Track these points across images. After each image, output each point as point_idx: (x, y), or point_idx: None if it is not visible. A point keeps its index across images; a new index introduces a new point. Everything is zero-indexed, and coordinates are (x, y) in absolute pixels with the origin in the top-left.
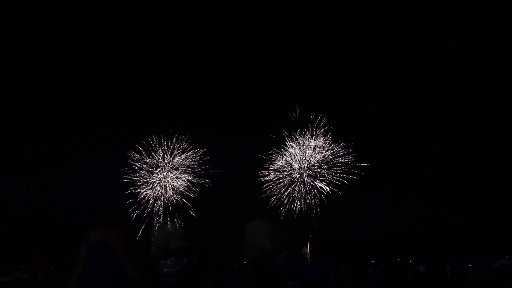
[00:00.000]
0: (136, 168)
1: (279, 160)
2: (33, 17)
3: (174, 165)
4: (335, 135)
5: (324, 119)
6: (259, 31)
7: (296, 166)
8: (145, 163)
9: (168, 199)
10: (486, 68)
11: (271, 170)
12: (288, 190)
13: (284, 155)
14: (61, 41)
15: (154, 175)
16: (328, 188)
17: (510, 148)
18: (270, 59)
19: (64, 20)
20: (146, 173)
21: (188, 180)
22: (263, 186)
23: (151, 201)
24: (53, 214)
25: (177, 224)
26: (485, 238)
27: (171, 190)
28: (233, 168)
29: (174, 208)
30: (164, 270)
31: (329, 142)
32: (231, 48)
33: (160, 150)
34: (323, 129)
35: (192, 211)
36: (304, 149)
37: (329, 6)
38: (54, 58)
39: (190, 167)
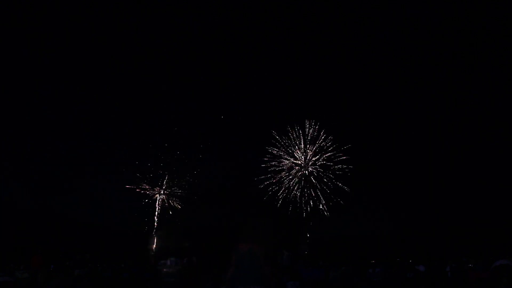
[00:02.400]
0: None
1: (277, 162)
2: (35, 20)
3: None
4: (334, 136)
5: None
6: (257, 35)
7: (295, 168)
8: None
9: (169, 200)
10: (481, 73)
11: (270, 170)
12: (288, 188)
13: (283, 157)
14: (68, 43)
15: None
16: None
17: (510, 148)
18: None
19: (73, 25)
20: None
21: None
22: (261, 186)
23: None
24: (53, 214)
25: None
26: (485, 238)
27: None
28: (232, 167)
29: (174, 209)
30: (164, 270)
31: (327, 145)
32: (227, 51)
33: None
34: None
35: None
36: (303, 153)
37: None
38: (54, 57)
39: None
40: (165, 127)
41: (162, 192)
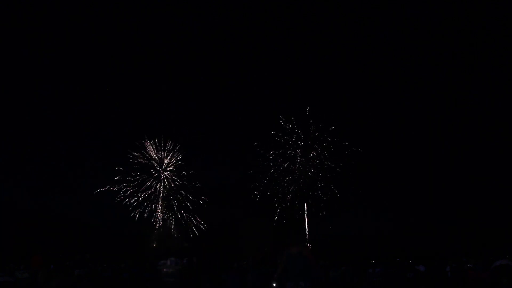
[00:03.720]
0: (136, 166)
1: (276, 162)
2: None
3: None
4: (334, 137)
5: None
6: (251, 36)
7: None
8: (143, 164)
9: (168, 198)
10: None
11: (269, 169)
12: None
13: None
14: (68, 43)
15: (152, 175)
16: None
17: (510, 148)
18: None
19: (62, 22)
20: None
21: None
22: (261, 185)
23: (151, 200)
24: (53, 214)
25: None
26: (485, 238)
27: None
28: (230, 166)
29: (174, 207)
30: (164, 270)
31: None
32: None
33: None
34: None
35: (192, 212)
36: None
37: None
38: (54, 57)
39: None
40: (165, 127)
41: (161, 196)
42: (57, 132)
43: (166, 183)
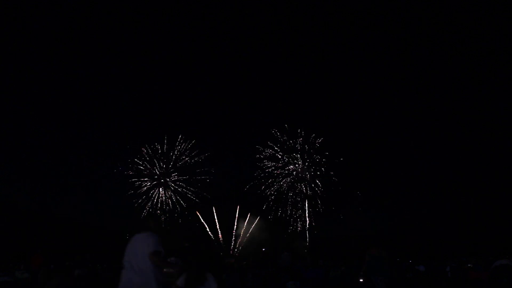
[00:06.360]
0: (140, 167)
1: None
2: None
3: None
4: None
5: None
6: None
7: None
8: (146, 165)
9: (169, 197)
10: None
11: (268, 170)
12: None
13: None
14: (64, 40)
15: (154, 176)
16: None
17: (510, 148)
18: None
19: (63, 19)
20: (147, 173)
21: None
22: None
23: (151, 199)
24: (53, 214)
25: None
26: (485, 238)
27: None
28: (230, 165)
29: (174, 207)
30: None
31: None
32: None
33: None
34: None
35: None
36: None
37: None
38: (54, 57)
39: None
40: (166, 128)
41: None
42: (57, 132)
43: (169, 182)
